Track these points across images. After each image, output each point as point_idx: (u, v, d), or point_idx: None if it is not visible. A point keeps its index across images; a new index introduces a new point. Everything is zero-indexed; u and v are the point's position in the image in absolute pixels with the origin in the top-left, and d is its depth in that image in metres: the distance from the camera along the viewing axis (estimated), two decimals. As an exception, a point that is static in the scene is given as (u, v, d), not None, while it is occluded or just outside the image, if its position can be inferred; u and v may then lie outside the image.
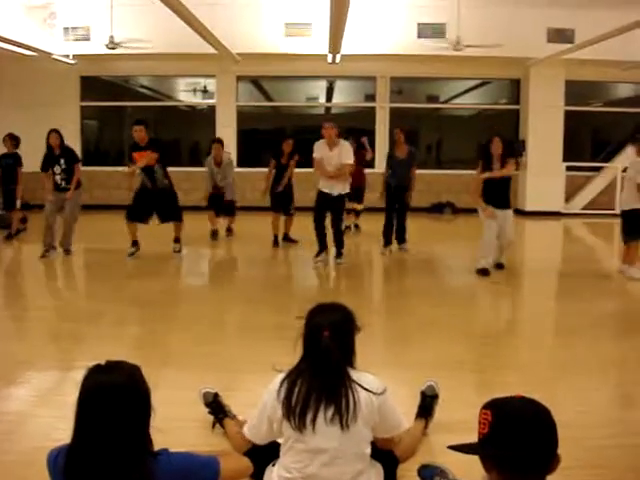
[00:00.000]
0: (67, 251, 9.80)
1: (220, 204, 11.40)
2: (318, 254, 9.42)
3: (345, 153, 9.10)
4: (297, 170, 10.94)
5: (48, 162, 9.71)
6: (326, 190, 9.18)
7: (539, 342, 6.20)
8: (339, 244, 9.43)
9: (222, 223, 11.75)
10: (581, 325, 6.54)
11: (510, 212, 8.89)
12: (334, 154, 9.03)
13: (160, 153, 9.69)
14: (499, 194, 8.71)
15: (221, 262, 10.79)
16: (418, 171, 10.57)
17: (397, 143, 10.41)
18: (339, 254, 9.44)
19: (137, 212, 9.73)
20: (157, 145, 9.82)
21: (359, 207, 12.13)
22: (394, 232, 10.50)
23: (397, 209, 10.43)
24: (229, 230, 11.87)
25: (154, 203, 9.76)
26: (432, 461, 3.34)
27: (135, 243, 9.86)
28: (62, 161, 9.65)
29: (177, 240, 10.09)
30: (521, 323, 7.08)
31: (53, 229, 9.75)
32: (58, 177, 9.67)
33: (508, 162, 8.70)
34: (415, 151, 10.64)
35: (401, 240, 10.56)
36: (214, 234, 11.57)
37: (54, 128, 9.78)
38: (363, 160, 11.91)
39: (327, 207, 9.27)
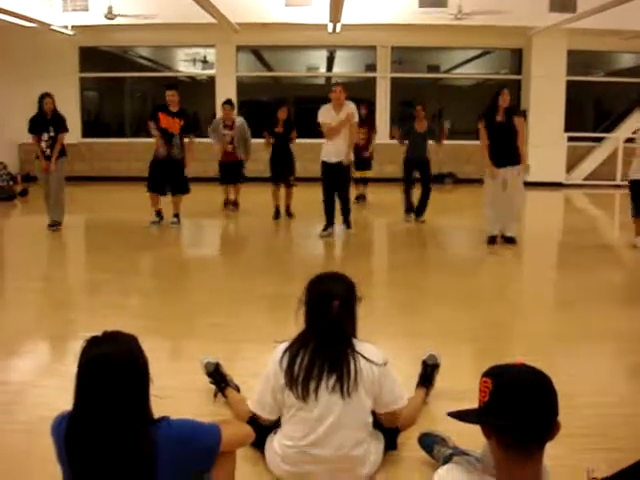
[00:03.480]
0: (55, 225, 9.60)
1: (231, 173, 11.33)
2: (325, 228, 9.37)
3: (351, 112, 8.99)
4: (298, 140, 10.85)
5: (38, 125, 9.41)
6: (330, 159, 9.06)
7: (541, 312, 6.22)
8: (347, 213, 9.40)
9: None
10: (583, 295, 6.55)
11: (519, 168, 8.41)
12: (341, 116, 8.91)
13: (186, 124, 9.89)
14: (506, 148, 8.27)
15: (223, 234, 10.78)
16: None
17: (418, 118, 10.40)
18: (348, 224, 9.42)
19: (155, 183, 9.94)
20: (186, 115, 10.01)
21: (369, 174, 12.13)
22: (416, 203, 10.53)
23: (422, 184, 10.45)
24: (235, 204, 11.63)
25: (167, 174, 9.87)
26: (433, 429, 3.36)
27: (159, 213, 10.12)
28: (51, 128, 9.39)
29: (177, 215, 10.14)
30: (523, 293, 7.08)
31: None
32: (44, 144, 9.40)
33: (518, 121, 8.40)
34: (434, 126, 10.74)
35: (419, 213, 10.46)
36: (227, 204, 11.68)
37: (47, 92, 9.49)
38: (373, 126, 12.02)
39: (333, 176, 9.14)
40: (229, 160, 11.23)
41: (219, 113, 11.81)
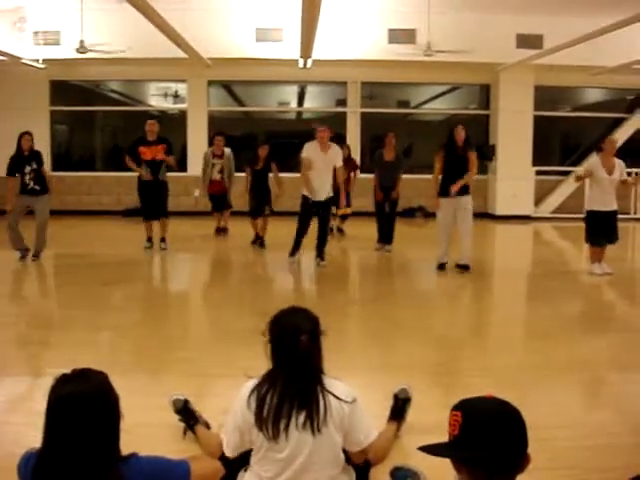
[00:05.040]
0: (36, 256, 9.66)
1: (219, 202, 12.08)
2: (293, 253, 9.50)
3: (336, 156, 9.24)
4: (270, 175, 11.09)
5: (17, 165, 9.46)
6: (312, 197, 9.19)
7: (509, 344, 6.25)
8: (322, 245, 9.47)
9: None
10: (550, 327, 6.61)
11: (469, 198, 9.00)
12: (327, 157, 9.11)
13: (168, 147, 10.53)
14: (459, 179, 8.84)
15: (194, 266, 10.74)
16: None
17: (388, 146, 10.73)
18: (322, 256, 9.46)
19: (148, 210, 10.59)
20: (166, 141, 10.62)
21: (349, 211, 12.20)
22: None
23: (388, 212, 10.81)
24: (224, 230, 12.38)
25: (154, 196, 10.45)
26: (405, 463, 3.34)
27: (150, 240, 10.77)
28: (33, 162, 9.47)
29: (163, 240, 10.69)
30: (492, 325, 7.13)
31: (19, 233, 9.55)
32: (27, 177, 9.44)
33: (472, 156, 8.94)
34: (402, 155, 11.14)
35: (387, 240, 10.78)
36: (219, 231, 12.44)
37: (27, 130, 9.64)
38: (353, 165, 12.18)
39: (313, 213, 9.31)
40: (217, 191, 11.98)
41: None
